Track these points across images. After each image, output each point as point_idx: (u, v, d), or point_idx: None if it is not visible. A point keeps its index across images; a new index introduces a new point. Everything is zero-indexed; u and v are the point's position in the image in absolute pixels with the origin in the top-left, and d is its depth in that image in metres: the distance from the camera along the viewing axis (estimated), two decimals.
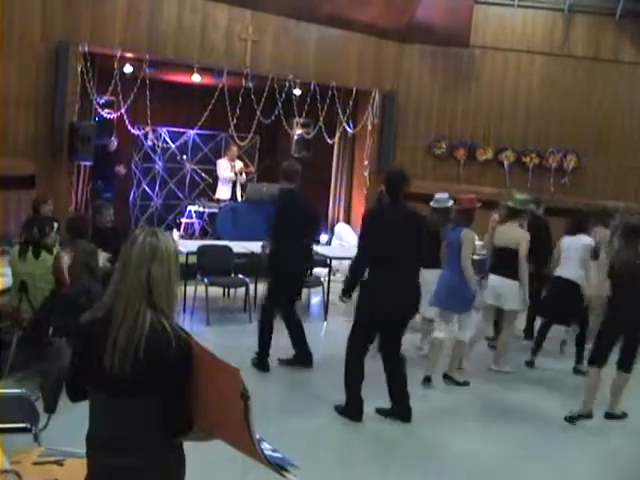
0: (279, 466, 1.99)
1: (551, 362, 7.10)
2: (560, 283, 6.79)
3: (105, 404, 2.18)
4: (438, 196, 6.96)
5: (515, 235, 6.40)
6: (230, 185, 11.18)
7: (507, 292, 6.40)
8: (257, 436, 1.97)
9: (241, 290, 8.32)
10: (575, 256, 6.72)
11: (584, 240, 6.77)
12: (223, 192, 11.12)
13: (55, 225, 5.68)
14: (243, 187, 11.32)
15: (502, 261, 6.45)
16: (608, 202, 9.30)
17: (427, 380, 6.04)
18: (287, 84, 10.23)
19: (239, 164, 11.27)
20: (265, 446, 2.01)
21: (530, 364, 6.94)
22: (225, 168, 10.98)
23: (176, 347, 2.10)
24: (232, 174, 11.03)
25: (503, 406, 5.90)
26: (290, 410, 5.38)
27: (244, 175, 11.28)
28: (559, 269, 6.82)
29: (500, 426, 5.46)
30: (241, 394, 1.93)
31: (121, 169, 10.69)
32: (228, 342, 6.83)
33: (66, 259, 5.58)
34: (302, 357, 6.33)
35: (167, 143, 12.02)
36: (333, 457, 4.71)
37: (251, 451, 2.00)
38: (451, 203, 6.72)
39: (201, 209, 11.34)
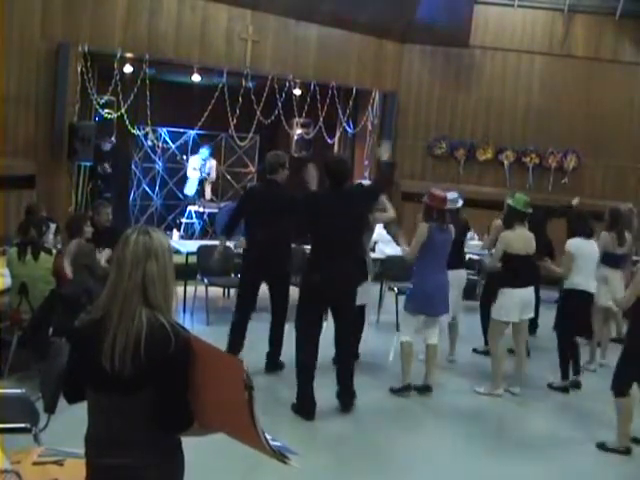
0: (282, 454, 2.00)
1: None
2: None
3: (104, 404, 2.18)
4: (449, 195, 6.42)
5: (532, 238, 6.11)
6: (196, 183, 11.58)
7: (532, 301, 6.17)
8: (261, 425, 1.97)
9: None
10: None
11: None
12: (189, 188, 11.67)
13: (52, 226, 5.67)
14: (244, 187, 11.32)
15: (528, 270, 6.09)
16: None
17: None
18: (287, 84, 10.22)
19: (211, 161, 11.64)
20: (267, 436, 2.02)
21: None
22: (193, 166, 11.55)
23: (175, 344, 2.10)
24: (196, 172, 11.48)
25: None
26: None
27: (213, 174, 11.60)
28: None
29: None
30: (245, 384, 1.93)
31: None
32: None
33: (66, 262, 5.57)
34: None
35: (167, 143, 12.02)
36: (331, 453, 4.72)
37: (255, 441, 2.00)
38: (461, 204, 6.58)
39: (201, 209, 11.33)
